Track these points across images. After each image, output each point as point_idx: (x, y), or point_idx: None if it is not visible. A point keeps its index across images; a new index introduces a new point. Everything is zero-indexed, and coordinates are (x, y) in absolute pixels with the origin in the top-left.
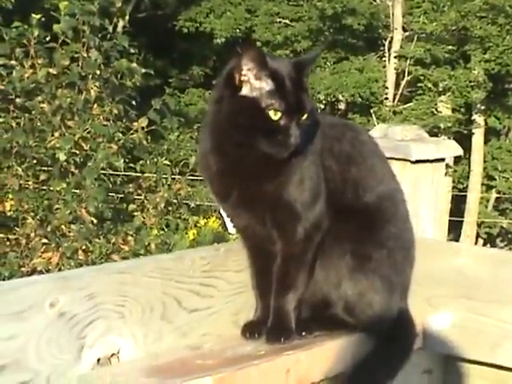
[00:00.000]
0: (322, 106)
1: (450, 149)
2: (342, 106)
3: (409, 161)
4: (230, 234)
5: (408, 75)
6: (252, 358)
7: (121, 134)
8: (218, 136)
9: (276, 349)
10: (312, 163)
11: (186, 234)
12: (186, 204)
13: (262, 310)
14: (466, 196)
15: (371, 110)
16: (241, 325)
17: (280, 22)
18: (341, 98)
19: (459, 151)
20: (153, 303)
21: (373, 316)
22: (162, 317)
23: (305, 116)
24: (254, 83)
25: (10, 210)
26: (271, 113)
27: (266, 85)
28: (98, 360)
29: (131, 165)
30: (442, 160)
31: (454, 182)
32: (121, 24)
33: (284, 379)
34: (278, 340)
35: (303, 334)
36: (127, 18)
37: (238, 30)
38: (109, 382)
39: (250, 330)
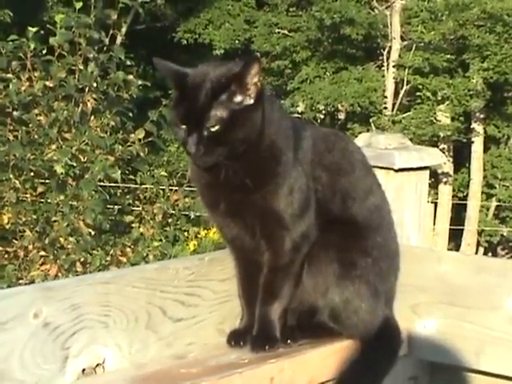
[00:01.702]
0: (322, 116)
1: (434, 157)
2: (341, 116)
3: (392, 169)
4: None
5: (407, 84)
6: (236, 366)
7: (119, 146)
8: None
9: (260, 357)
10: (301, 174)
11: (187, 245)
12: (186, 215)
13: (248, 318)
14: (466, 204)
15: (370, 120)
16: (226, 333)
17: (279, 33)
18: (340, 107)
19: (442, 159)
20: (137, 313)
21: (358, 323)
22: (147, 326)
23: (214, 128)
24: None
25: (7, 223)
26: (177, 123)
27: (174, 95)
28: (83, 370)
29: (130, 176)
30: (426, 168)
31: (454, 190)
32: (119, 36)
33: None
34: (262, 348)
35: (288, 342)
36: (124, 30)
37: (237, 41)
38: None
39: (235, 339)
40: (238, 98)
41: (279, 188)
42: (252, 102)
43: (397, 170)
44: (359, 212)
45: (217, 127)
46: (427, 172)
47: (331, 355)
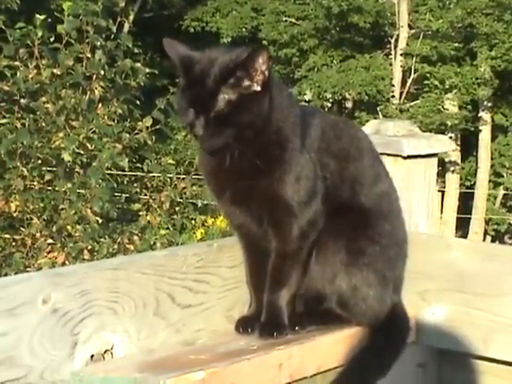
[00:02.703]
0: (329, 105)
1: (442, 144)
2: (348, 104)
3: (401, 156)
4: None
5: (414, 73)
6: (245, 352)
7: (127, 134)
8: None
9: (269, 344)
10: (309, 161)
11: (194, 233)
12: (193, 203)
13: (256, 305)
14: (473, 193)
15: (378, 108)
16: (235, 320)
17: (286, 21)
18: (347, 96)
19: (451, 146)
20: (146, 299)
21: (366, 310)
22: (156, 313)
23: (216, 106)
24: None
25: (15, 211)
26: (184, 107)
27: (181, 80)
28: (92, 356)
29: (137, 164)
30: (434, 155)
31: (461, 179)
32: (126, 24)
33: (277, 374)
34: (270, 335)
35: (296, 328)
36: (131, 18)
37: (244, 29)
38: (102, 377)
39: (244, 325)
40: (246, 83)
41: (286, 175)
42: (259, 88)
43: (405, 157)
44: (367, 199)
45: (224, 110)
46: (436, 159)
47: (339, 342)
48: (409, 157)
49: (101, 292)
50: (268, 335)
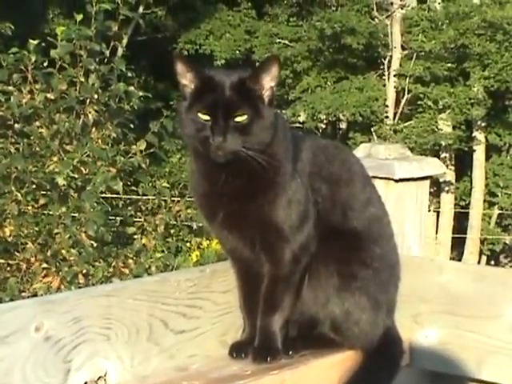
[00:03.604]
0: (323, 126)
1: (434, 166)
2: (343, 126)
3: (392, 179)
4: None
5: (408, 93)
6: (238, 377)
7: (121, 158)
8: (190, 153)
9: (262, 368)
10: (300, 186)
11: (189, 255)
12: (188, 226)
13: (250, 330)
14: (468, 213)
15: (372, 129)
16: (228, 345)
17: (279, 43)
18: (341, 117)
19: (442, 169)
20: (139, 325)
21: (359, 334)
22: (149, 339)
23: (239, 118)
24: (186, 90)
25: (9, 235)
26: (200, 114)
27: (193, 89)
28: (85, 383)
29: (132, 188)
30: (426, 178)
31: (456, 199)
32: (120, 48)
33: None
34: (264, 360)
35: (290, 353)
36: (125, 41)
37: (237, 52)
38: None
39: (237, 350)
40: (258, 96)
41: (278, 199)
42: (267, 104)
43: (397, 181)
44: (359, 223)
45: (244, 118)
46: (427, 182)
47: (333, 366)
48: (400, 180)
49: (93, 319)
50: (262, 360)
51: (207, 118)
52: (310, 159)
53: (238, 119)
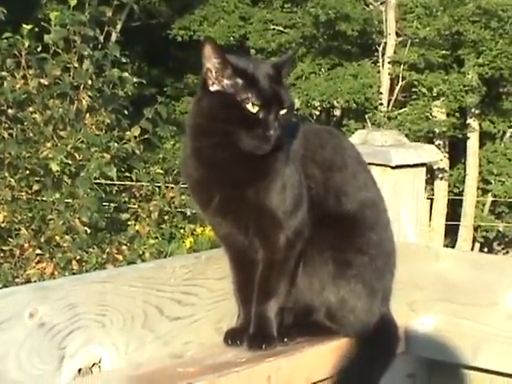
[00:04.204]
0: (317, 113)
1: (430, 153)
2: (337, 112)
3: (389, 166)
4: None
5: (402, 80)
6: (233, 364)
7: (115, 144)
8: (197, 139)
9: (257, 355)
10: (294, 171)
11: (183, 242)
12: (182, 212)
13: (245, 317)
14: (462, 200)
15: (366, 116)
16: (223, 332)
17: (274, 29)
18: (336, 104)
19: (439, 156)
20: (134, 312)
21: (355, 321)
22: (144, 326)
23: (284, 110)
24: (224, 80)
25: (3, 222)
26: (249, 106)
27: (236, 80)
28: (79, 370)
29: (126, 174)
30: (422, 165)
31: (449, 186)
32: (114, 34)
33: None
34: (259, 347)
35: (285, 340)
36: (119, 27)
37: (231, 38)
38: None
39: (232, 337)
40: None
41: (272, 184)
42: None
43: (393, 167)
44: (353, 208)
45: (286, 110)
46: (424, 169)
47: (328, 353)
48: (397, 167)
49: (88, 305)
50: (257, 347)
51: (257, 109)
52: (303, 144)
53: (283, 112)
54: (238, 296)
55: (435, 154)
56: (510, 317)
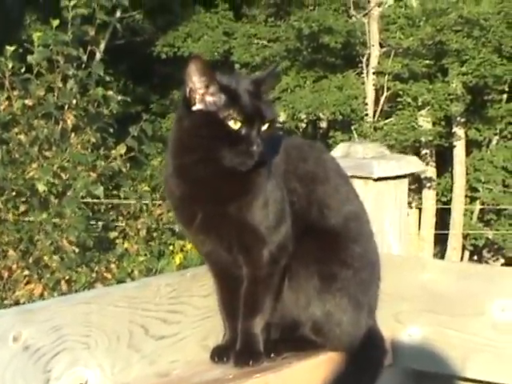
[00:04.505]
0: (304, 125)
1: (412, 165)
2: (323, 124)
3: (371, 178)
4: None
5: (387, 91)
6: (220, 382)
7: (102, 162)
8: (179, 157)
9: (245, 372)
10: (276, 186)
11: (173, 258)
12: (171, 229)
13: (231, 333)
14: (450, 209)
15: (352, 127)
16: (210, 349)
17: (258, 43)
18: (322, 116)
19: (421, 167)
20: (119, 332)
21: (341, 335)
22: (129, 345)
23: (266, 125)
24: (207, 97)
25: None
26: (231, 123)
27: (220, 97)
28: None
29: (114, 192)
30: (405, 176)
31: (437, 195)
32: (98, 52)
33: None
34: (246, 363)
35: (272, 355)
36: (103, 45)
37: (216, 53)
38: None
39: (219, 354)
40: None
41: (254, 200)
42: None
43: (376, 179)
44: (337, 221)
45: (270, 123)
46: (406, 180)
47: (316, 368)
48: (379, 179)
49: (73, 327)
50: (244, 363)
51: (239, 126)
52: (285, 159)
53: (265, 127)
54: (223, 313)
55: (417, 165)
56: (496, 326)
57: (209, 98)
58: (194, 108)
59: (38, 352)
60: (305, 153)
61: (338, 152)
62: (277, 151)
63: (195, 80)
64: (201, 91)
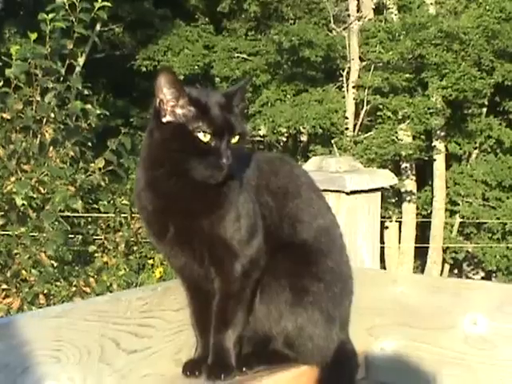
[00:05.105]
0: (284, 139)
1: (385, 178)
2: (303, 138)
3: (344, 192)
4: None
5: (367, 105)
6: None
7: (82, 176)
8: (150, 170)
9: None
10: (248, 200)
11: (153, 272)
12: (150, 243)
13: (203, 347)
14: (430, 222)
15: (332, 141)
16: (182, 364)
17: (238, 57)
18: (302, 130)
19: (394, 180)
20: (90, 346)
21: (313, 348)
22: (101, 359)
23: (235, 138)
24: (177, 109)
25: None
26: (200, 135)
27: (190, 110)
28: None
29: (93, 206)
30: (377, 190)
31: (418, 208)
32: (77, 66)
33: None
34: (218, 377)
35: (244, 369)
36: (83, 59)
37: (196, 67)
38: None
39: (191, 368)
40: (240, 114)
41: (226, 214)
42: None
43: (348, 193)
44: (308, 235)
45: (240, 135)
46: (379, 194)
47: (288, 382)
48: (352, 192)
49: (43, 341)
50: (215, 377)
51: (208, 138)
52: (256, 173)
53: (235, 139)
54: (195, 327)
55: (390, 179)
56: (468, 340)
57: (179, 111)
58: (164, 120)
59: (7, 368)
60: (276, 167)
61: (310, 166)
62: (248, 165)
63: (166, 92)
64: (171, 103)
